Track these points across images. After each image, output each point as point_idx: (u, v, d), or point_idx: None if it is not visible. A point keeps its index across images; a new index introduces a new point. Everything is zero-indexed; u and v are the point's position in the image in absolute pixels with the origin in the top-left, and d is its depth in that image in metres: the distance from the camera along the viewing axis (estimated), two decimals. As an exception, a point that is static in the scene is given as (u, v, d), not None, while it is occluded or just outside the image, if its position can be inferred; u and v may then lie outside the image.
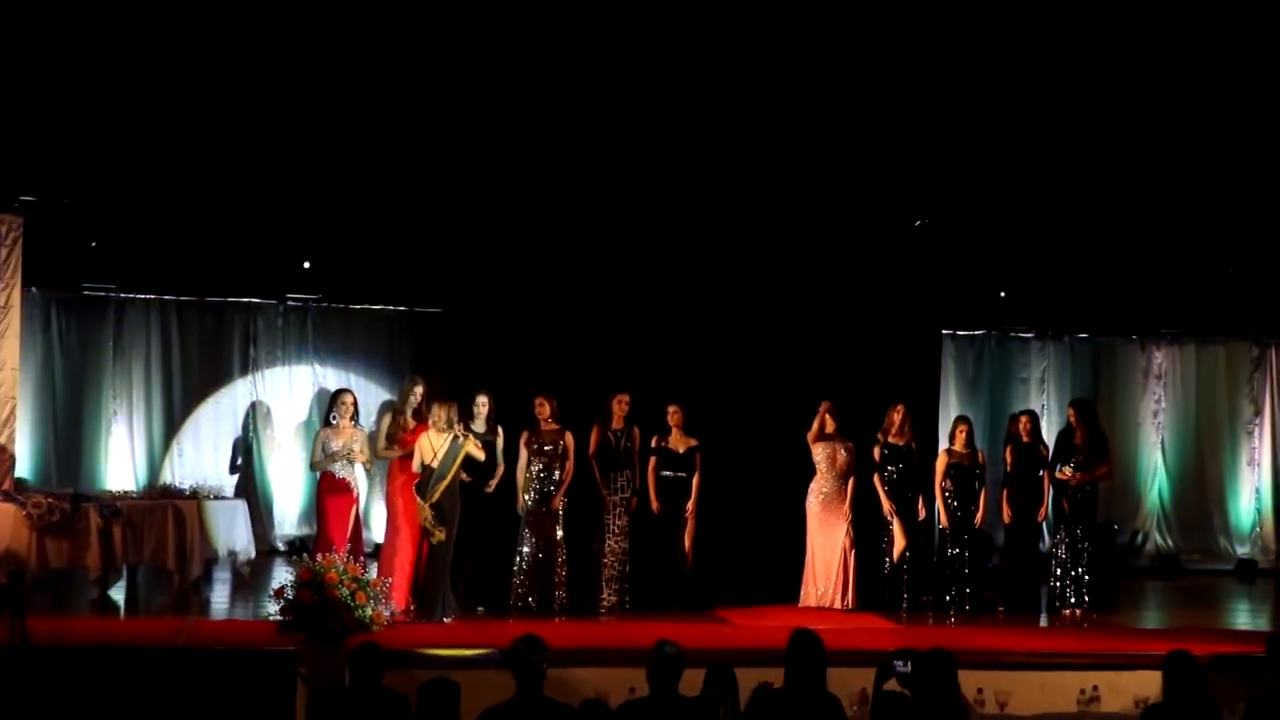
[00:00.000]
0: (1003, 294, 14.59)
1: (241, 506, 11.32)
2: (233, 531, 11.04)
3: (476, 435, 10.38)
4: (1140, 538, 15.17)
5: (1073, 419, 11.62)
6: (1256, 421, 15.35)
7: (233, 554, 11.07)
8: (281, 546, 13.41)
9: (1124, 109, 12.20)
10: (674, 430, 10.97)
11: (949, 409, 13.62)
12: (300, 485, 13.48)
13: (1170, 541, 15.22)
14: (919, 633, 9.96)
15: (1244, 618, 12.38)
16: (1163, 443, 15.28)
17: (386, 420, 10.37)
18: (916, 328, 12.24)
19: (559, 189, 11.41)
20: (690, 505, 10.96)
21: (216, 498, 11.12)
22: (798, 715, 6.33)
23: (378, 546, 12.16)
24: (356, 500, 10.44)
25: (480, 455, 10.01)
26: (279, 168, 12.01)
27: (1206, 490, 15.31)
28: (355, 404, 10.49)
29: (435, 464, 9.71)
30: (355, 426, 10.44)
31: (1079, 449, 11.49)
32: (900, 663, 6.63)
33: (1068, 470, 11.38)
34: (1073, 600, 11.32)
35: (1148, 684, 8.32)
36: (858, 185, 11.85)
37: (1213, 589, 13.94)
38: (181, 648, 8.31)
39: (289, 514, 13.57)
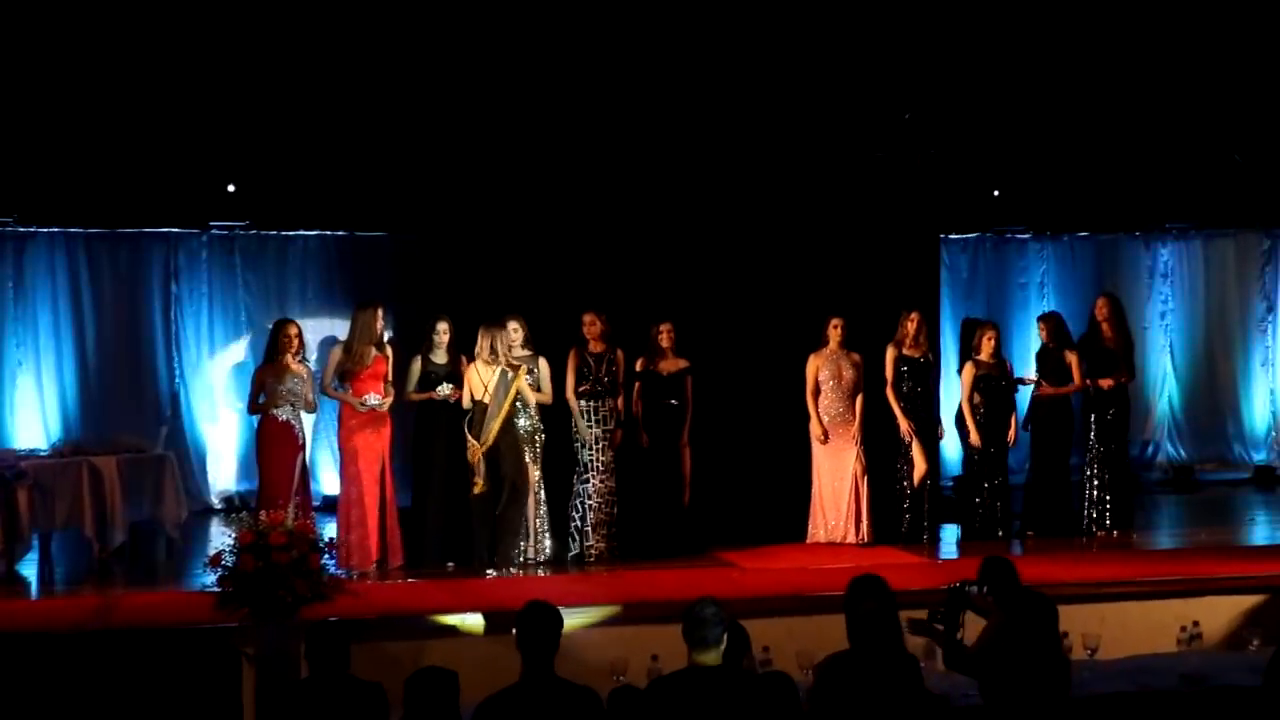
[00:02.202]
0: (996, 192, 13.49)
1: (170, 461, 10.00)
2: (160, 490, 9.74)
3: (436, 365, 9.18)
4: (1151, 449, 14.12)
5: (1103, 315, 10.51)
6: (1270, 319, 14.32)
7: (161, 516, 9.74)
8: (218, 505, 12.15)
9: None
10: (664, 352, 9.72)
11: (944, 318, 12.50)
12: (237, 434, 12.22)
13: (1183, 452, 14.20)
14: (956, 567, 8.80)
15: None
16: (1171, 346, 14.22)
17: (337, 354, 9.15)
18: (911, 230, 11.18)
19: (519, 88, 10.21)
20: (683, 434, 9.75)
21: (139, 451, 9.75)
22: (869, 683, 5.09)
23: (326, 499, 11.11)
24: (302, 448, 9.26)
25: (533, 398, 9.17)
26: (197, 78, 10.72)
27: (1219, 395, 14.28)
28: (300, 337, 9.18)
29: (486, 399, 8.82)
30: (301, 363, 9.17)
31: (1112, 351, 10.40)
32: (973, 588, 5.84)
33: (1110, 380, 10.32)
34: (1109, 523, 10.30)
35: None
36: (843, 79, 10.78)
37: (1236, 501, 12.96)
38: (104, 629, 7.24)
39: (225, 467, 12.30)
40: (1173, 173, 13.31)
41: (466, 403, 8.99)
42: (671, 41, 10.35)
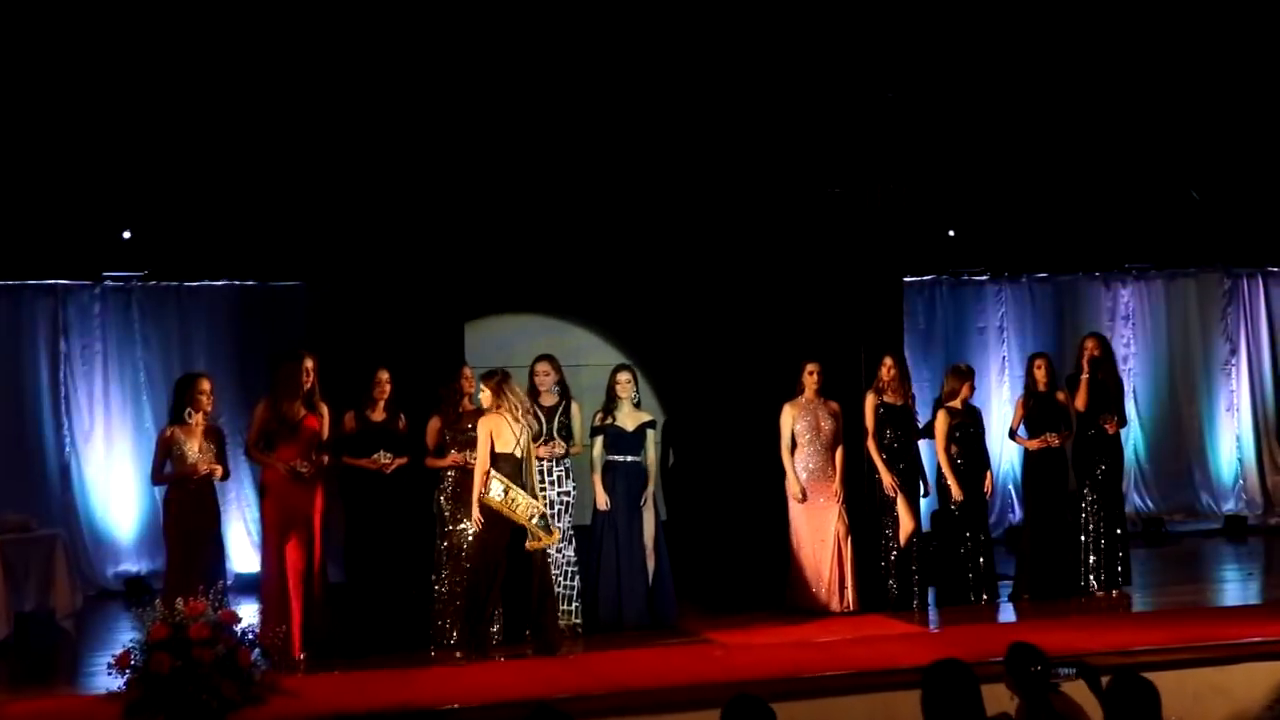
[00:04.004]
0: (951, 233, 12.96)
1: (60, 540, 8.99)
2: (50, 574, 8.73)
3: (372, 423, 8.21)
4: (1118, 500, 13.45)
5: (1094, 355, 9.76)
6: (1233, 361, 13.83)
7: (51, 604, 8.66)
8: (118, 588, 11.02)
9: (1076, 25, 11.26)
10: (623, 403, 8.82)
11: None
12: (138, 505, 11.15)
13: (1150, 502, 13.54)
14: (955, 637, 7.88)
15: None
16: (1134, 392, 13.56)
17: (261, 413, 8.13)
18: (874, 271, 10.41)
19: (449, 114, 9.39)
20: (647, 494, 8.85)
21: (24, 531, 8.62)
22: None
23: (239, 579, 10.08)
24: (217, 521, 8.18)
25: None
26: (88, 117, 10.13)
27: (1184, 443, 13.70)
28: (212, 394, 8.09)
29: (518, 452, 7.95)
30: (212, 423, 8.16)
31: (1108, 393, 9.74)
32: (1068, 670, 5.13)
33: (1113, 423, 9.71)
34: (1106, 581, 9.60)
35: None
36: (802, 117, 10.17)
37: (1214, 553, 12.36)
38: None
39: (124, 545, 11.18)
40: (1131, 212, 13.02)
41: (486, 456, 8.01)
42: (631, 79, 9.74)
